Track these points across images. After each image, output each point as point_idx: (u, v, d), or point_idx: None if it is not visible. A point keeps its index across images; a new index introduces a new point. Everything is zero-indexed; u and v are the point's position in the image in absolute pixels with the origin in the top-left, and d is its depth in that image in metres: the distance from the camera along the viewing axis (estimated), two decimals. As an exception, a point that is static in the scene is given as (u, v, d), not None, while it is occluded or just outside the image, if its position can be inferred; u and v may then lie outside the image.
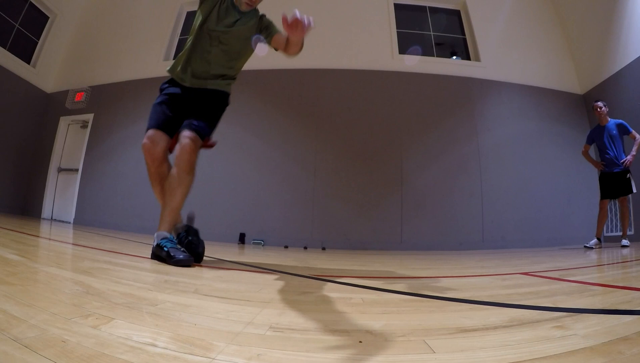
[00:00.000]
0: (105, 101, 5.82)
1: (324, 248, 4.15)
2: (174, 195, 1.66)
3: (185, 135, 1.67)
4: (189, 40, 1.84)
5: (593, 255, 2.83)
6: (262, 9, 1.91)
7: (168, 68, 1.89)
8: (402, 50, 5.37)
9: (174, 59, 2.08)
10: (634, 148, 3.77)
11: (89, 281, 1.00)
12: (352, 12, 5.43)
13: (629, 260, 2.35)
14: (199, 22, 1.81)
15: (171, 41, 5.93)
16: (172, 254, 1.52)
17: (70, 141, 6.04)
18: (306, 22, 1.40)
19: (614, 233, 4.57)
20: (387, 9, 5.50)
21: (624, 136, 3.92)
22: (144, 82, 5.66)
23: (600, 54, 4.98)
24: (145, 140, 1.72)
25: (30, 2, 5.83)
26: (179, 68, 1.83)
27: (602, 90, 4.95)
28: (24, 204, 5.91)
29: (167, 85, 1.87)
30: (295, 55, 1.77)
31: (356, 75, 5.08)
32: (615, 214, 4.59)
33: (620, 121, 3.93)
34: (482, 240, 4.61)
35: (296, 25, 1.41)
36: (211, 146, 1.83)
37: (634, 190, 3.74)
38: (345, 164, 4.81)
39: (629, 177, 3.78)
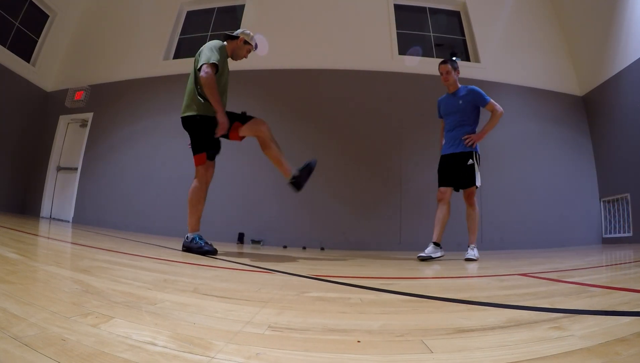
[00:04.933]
0: (104, 100, 5.81)
1: (322, 248, 4.14)
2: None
3: None
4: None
5: (593, 256, 2.83)
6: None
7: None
8: (402, 51, 5.36)
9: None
10: (488, 124, 2.74)
11: (88, 280, 1.00)
12: (352, 13, 5.42)
13: (627, 261, 2.36)
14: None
15: (171, 41, 5.92)
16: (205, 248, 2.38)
17: (69, 140, 6.03)
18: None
19: (614, 234, 4.56)
20: (387, 10, 5.49)
21: (479, 108, 2.88)
22: (143, 81, 5.65)
23: (600, 55, 4.98)
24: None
25: (31, 0, 5.82)
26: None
27: (601, 91, 4.95)
28: (22, 202, 5.90)
29: None
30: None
31: (356, 75, 5.08)
32: (616, 214, 4.55)
33: (473, 87, 2.89)
34: (480, 241, 4.61)
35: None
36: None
37: (478, 183, 2.72)
38: (344, 164, 4.81)
39: (472, 163, 2.69)
